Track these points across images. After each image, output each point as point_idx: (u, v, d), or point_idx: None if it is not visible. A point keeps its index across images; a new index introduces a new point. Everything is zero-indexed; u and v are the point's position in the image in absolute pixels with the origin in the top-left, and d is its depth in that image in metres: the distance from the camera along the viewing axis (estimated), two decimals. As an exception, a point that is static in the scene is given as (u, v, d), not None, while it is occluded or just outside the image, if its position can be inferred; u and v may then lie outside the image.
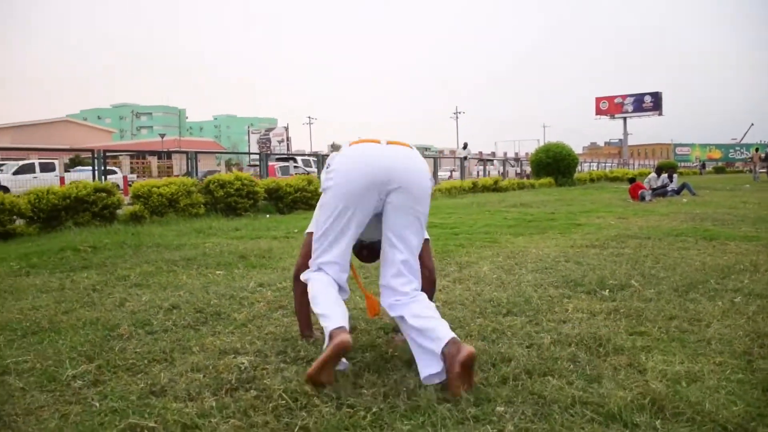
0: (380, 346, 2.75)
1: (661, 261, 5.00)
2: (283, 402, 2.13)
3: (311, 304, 2.52)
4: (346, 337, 2.23)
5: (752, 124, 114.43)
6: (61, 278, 4.71)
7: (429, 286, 2.78)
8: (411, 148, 2.69)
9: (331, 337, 2.27)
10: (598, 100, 66.30)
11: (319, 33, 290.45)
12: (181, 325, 3.20)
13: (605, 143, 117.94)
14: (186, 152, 15.60)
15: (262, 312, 3.46)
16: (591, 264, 4.86)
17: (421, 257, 2.65)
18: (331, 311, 2.39)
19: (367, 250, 2.89)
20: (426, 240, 2.74)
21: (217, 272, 4.81)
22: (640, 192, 14.13)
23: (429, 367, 2.28)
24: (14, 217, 8.02)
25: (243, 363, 2.53)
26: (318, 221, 2.64)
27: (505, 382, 2.30)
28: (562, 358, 2.55)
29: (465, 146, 27.67)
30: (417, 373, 2.35)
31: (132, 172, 32.90)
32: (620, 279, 4.19)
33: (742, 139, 79.98)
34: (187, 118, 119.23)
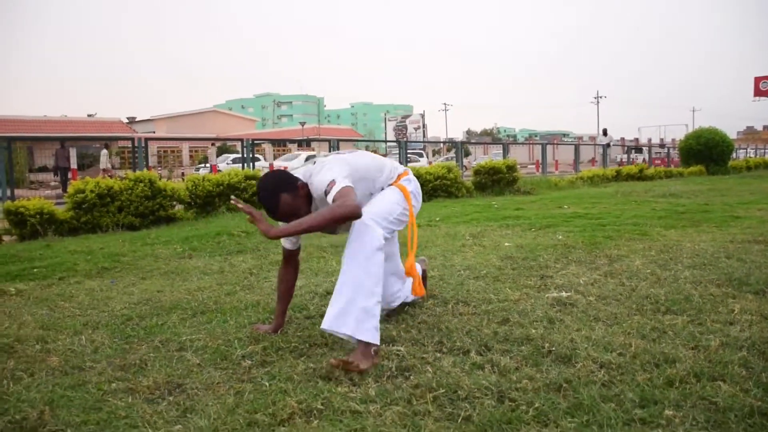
0: (536, 340, 2.72)
1: (842, 260, 4.57)
2: (444, 392, 2.16)
3: None
4: None
5: None
6: (220, 261, 5.03)
7: None
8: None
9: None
10: (757, 79, 61.09)
11: (450, 16, 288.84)
12: (337, 311, 3.32)
13: (764, 127, 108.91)
14: (328, 140, 16.12)
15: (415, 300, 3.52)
16: (756, 261, 4.54)
17: None
18: None
19: None
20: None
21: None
22: None
23: None
24: (174, 203, 8.67)
25: (400, 351, 2.59)
26: None
27: (671, 384, 2.21)
28: (732, 362, 2.40)
29: (605, 132, 26.65)
30: (576, 370, 2.32)
31: (275, 160, 34.36)
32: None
33: None
34: (325, 106, 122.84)
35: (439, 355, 2.57)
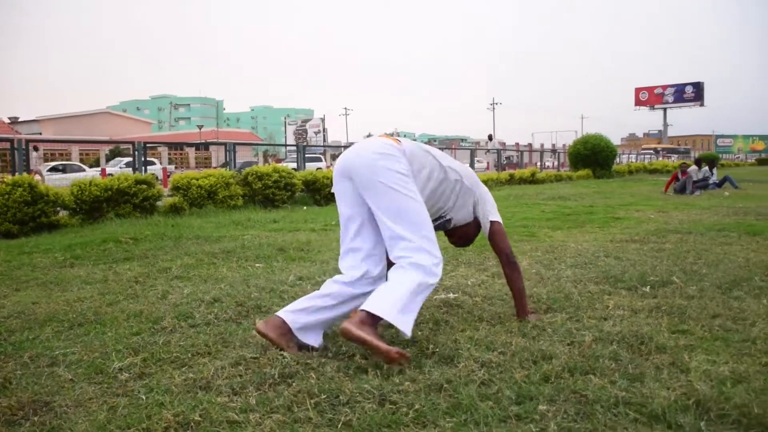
0: (421, 342, 2.75)
1: (703, 257, 4.91)
2: (326, 397, 2.15)
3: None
4: None
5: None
6: (104, 270, 4.81)
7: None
8: (387, 138, 2.87)
9: None
10: (638, 90, 65.26)
11: (351, 22, 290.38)
12: (223, 319, 3.25)
13: (644, 134, 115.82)
14: (224, 144, 15.77)
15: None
16: (631, 259, 4.80)
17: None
18: None
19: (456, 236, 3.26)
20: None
21: (257, 265, 4.87)
22: (671, 184, 13.91)
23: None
24: (58, 208, 8.23)
25: (285, 358, 2.56)
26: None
27: (547, 380, 2.29)
28: (603, 356, 2.52)
29: (490, 138, 27.47)
30: (457, 370, 2.37)
31: (170, 164, 33.36)
32: (661, 275, 4.14)
33: (787, 129, 77.87)
34: (224, 109, 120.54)
35: (323, 360, 2.55)
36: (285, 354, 2.59)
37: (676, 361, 2.50)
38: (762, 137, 70.19)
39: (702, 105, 61.77)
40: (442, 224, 3.07)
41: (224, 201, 9.94)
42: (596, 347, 2.65)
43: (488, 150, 25.77)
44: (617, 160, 29.10)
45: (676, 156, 47.35)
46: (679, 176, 13.91)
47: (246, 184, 10.72)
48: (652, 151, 50.88)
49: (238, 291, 3.87)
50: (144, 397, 2.22)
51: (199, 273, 4.58)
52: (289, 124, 60.14)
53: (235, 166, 12.69)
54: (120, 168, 22.21)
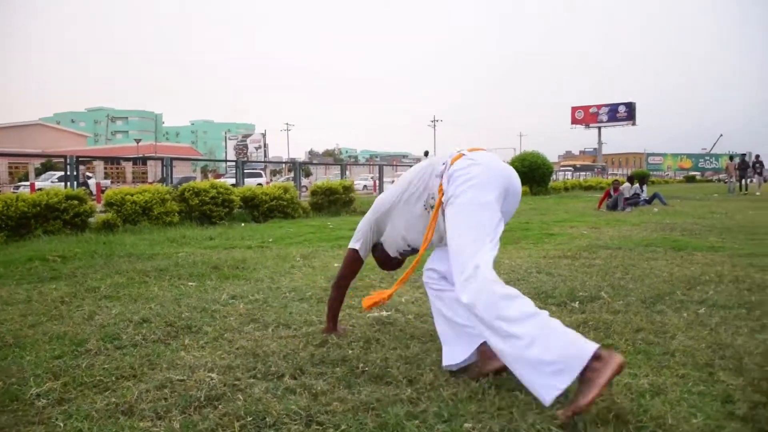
0: (351, 360, 2.75)
1: (630, 272, 5.07)
2: (252, 420, 2.12)
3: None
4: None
5: (721, 135, 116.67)
6: (28, 290, 4.64)
7: None
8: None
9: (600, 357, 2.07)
10: (574, 109, 67.02)
11: (298, 39, 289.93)
12: (151, 340, 3.18)
13: (580, 152, 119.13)
14: (161, 158, 15.48)
15: (234, 325, 3.45)
16: (562, 275, 4.92)
17: None
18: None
19: (402, 256, 3.15)
20: None
21: (190, 283, 4.78)
22: (604, 201, 14.35)
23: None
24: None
25: (212, 379, 2.52)
26: (482, 222, 2.46)
27: (474, 397, 2.31)
28: (530, 372, 2.57)
29: (426, 154, 27.81)
30: (387, 389, 2.37)
31: (106, 178, 32.52)
32: (590, 290, 4.25)
33: (711, 149, 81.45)
34: (163, 123, 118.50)
35: (252, 381, 2.52)
36: (213, 375, 2.55)
37: (600, 376, 2.56)
38: (689, 155, 72.98)
39: (634, 124, 63.91)
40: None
41: (159, 217, 9.75)
42: (523, 363, 2.69)
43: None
44: (554, 176, 29.80)
45: (589, 173, 48.79)
46: (612, 193, 14.34)
47: (182, 200, 10.53)
48: (571, 168, 52.32)
49: (168, 311, 3.79)
50: (62, 425, 2.14)
51: (129, 292, 4.47)
52: (230, 139, 59.54)
53: (172, 182, 12.46)
54: (52, 182, 21.53)
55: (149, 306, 3.95)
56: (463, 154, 2.65)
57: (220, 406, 2.26)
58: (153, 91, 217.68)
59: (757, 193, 23.04)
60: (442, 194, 2.60)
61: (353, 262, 3.13)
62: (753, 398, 2.30)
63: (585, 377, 2.04)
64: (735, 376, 2.54)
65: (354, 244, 3.11)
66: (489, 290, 2.25)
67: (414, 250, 2.99)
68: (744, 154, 26.96)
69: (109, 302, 4.13)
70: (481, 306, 2.23)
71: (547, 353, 2.09)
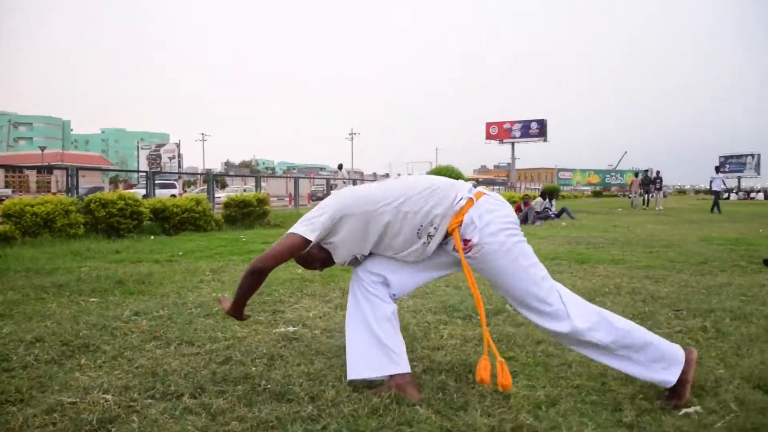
0: (254, 378, 2.71)
1: (535, 285, 5.21)
2: (146, 442, 2.06)
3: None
4: None
5: (626, 152, 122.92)
6: None
7: None
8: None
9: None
10: (488, 125, 68.55)
11: (213, 47, 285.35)
12: (44, 360, 3.04)
13: (495, 166, 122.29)
14: (66, 167, 14.87)
15: (135, 343, 3.34)
16: (469, 288, 5.01)
17: None
18: None
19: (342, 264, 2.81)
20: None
21: (91, 300, 4.60)
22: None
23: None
24: None
25: (107, 401, 2.43)
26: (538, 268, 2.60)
27: (375, 412, 2.33)
28: (432, 386, 2.61)
29: (340, 167, 27.81)
30: (288, 407, 2.36)
31: (7, 187, 31.00)
32: (496, 304, 4.35)
33: (617, 165, 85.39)
34: (72, 130, 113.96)
35: (150, 401, 2.45)
36: (107, 397, 2.46)
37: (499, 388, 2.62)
38: (597, 171, 76.28)
39: (545, 140, 65.94)
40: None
41: (63, 230, 9.34)
42: (426, 377, 2.74)
43: (345, 180, 26.06)
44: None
45: (495, 187, 50.01)
46: (522, 207, 14.77)
47: (88, 212, 10.13)
48: (474, 182, 53.57)
49: (65, 329, 3.63)
50: (-62, 453, 2.02)
51: (24, 309, 4.26)
52: (143, 149, 57.80)
53: (77, 193, 11.97)
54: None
55: (45, 324, 3.77)
56: (484, 193, 2.59)
57: (113, 429, 2.18)
58: (60, 96, 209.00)
59: (659, 208, 23.99)
60: (459, 232, 2.50)
61: (296, 250, 2.56)
62: (641, 406, 2.42)
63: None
64: (625, 385, 2.66)
65: (306, 233, 2.51)
66: (595, 315, 2.52)
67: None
68: (646, 170, 27.86)
69: (0, 321, 3.92)
70: (598, 332, 2.47)
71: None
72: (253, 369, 2.85)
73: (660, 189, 26.18)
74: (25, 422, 2.24)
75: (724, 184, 25.11)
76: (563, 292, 2.57)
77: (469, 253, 2.51)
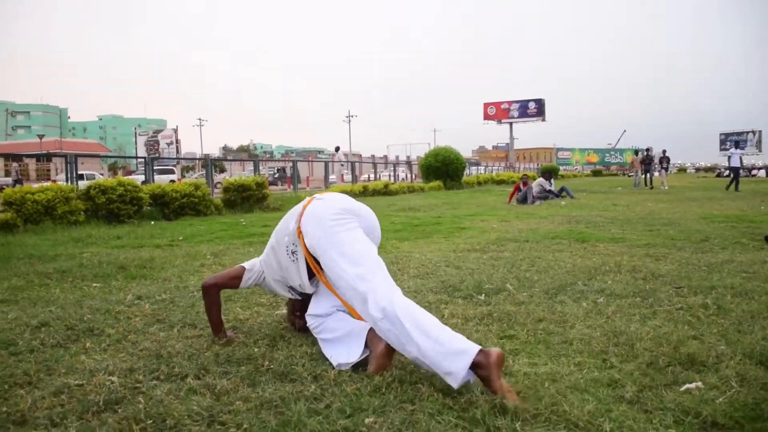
0: (256, 359, 2.74)
1: (536, 264, 5.25)
2: (152, 422, 2.09)
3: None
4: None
5: (624, 131, 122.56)
6: None
7: None
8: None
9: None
10: (486, 105, 68.37)
11: (206, 30, 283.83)
12: (50, 344, 3.06)
13: (493, 147, 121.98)
14: (65, 155, 14.85)
15: (138, 327, 3.37)
16: (470, 268, 5.04)
17: None
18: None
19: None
20: None
21: (94, 285, 4.63)
22: (514, 195, 14.75)
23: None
24: None
25: (113, 383, 2.45)
26: (358, 252, 2.75)
27: (378, 391, 2.35)
28: (434, 365, 2.63)
29: (337, 149, 27.77)
30: (291, 386, 2.38)
31: (7, 176, 31.00)
32: (496, 283, 4.37)
33: (616, 144, 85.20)
34: (69, 118, 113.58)
35: (154, 382, 2.48)
36: (113, 379, 2.49)
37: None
38: (596, 150, 76.12)
39: (544, 120, 65.81)
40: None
41: (64, 217, 9.36)
42: (427, 356, 2.75)
43: (342, 162, 26.06)
44: (467, 171, 30.39)
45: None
46: (521, 187, 14.77)
47: (89, 199, 10.14)
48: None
49: (69, 313, 3.66)
50: (-52, 437, 2.05)
51: (29, 295, 4.29)
52: (140, 135, 57.59)
53: (76, 180, 11.97)
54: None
55: (49, 309, 3.80)
56: (314, 197, 2.99)
57: (119, 410, 2.21)
58: (56, 84, 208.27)
59: (664, 187, 23.30)
60: (302, 237, 2.85)
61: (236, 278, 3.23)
62: (641, 382, 2.44)
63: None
64: (626, 362, 2.69)
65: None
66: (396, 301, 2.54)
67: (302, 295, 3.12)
68: (648, 149, 27.22)
69: (6, 306, 3.95)
70: (394, 315, 2.48)
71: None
72: (256, 350, 2.87)
73: (666, 168, 25.62)
74: (33, 404, 2.27)
75: (742, 161, 24.10)
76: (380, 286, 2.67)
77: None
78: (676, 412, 2.16)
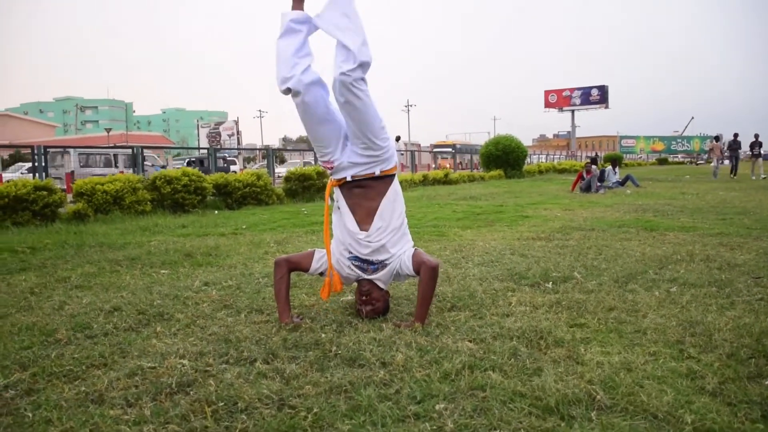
0: (324, 344, 2.74)
1: (603, 252, 5.11)
2: (223, 405, 2.10)
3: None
4: None
5: (692, 117, 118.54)
6: (-3, 281, 4.55)
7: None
8: None
9: None
10: (547, 93, 67.30)
11: (268, 24, 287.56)
12: (123, 328, 3.13)
13: (554, 135, 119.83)
14: (132, 147, 15.27)
15: (207, 312, 3.41)
16: (536, 256, 4.94)
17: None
18: None
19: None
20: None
21: (162, 271, 4.73)
22: (578, 183, 14.42)
23: None
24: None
25: (184, 366, 2.49)
26: None
27: (447, 377, 2.32)
28: (503, 352, 2.58)
29: (398, 139, 27.67)
30: (360, 372, 2.37)
31: (82, 167, 31.99)
32: (563, 271, 4.27)
33: (683, 131, 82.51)
34: (134, 111, 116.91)
35: (224, 366, 2.50)
36: (184, 362, 2.52)
37: (572, 354, 2.58)
38: (662, 138, 73.89)
39: (607, 107, 64.39)
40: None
41: (131, 206, 9.62)
42: (497, 344, 2.70)
43: (402, 152, 26.01)
44: (528, 160, 29.93)
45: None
46: (584, 175, 14.44)
47: (154, 189, 10.40)
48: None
49: (140, 299, 3.74)
50: (30, 415, 2.10)
51: (101, 281, 4.41)
52: (202, 127, 58.85)
53: (143, 171, 12.30)
54: (21, 174, 21.12)
55: (121, 295, 3.90)
56: None
57: (191, 392, 2.23)
58: (122, 79, 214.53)
59: (762, 176, 20.42)
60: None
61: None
62: (723, 373, 2.33)
63: None
64: (705, 353, 2.58)
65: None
66: None
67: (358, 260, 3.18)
68: (735, 134, 23.11)
69: (80, 292, 4.07)
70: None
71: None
72: (323, 335, 2.87)
73: (759, 155, 22.04)
74: (110, 384, 2.32)
75: None
76: None
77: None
78: (764, 405, 2.05)
